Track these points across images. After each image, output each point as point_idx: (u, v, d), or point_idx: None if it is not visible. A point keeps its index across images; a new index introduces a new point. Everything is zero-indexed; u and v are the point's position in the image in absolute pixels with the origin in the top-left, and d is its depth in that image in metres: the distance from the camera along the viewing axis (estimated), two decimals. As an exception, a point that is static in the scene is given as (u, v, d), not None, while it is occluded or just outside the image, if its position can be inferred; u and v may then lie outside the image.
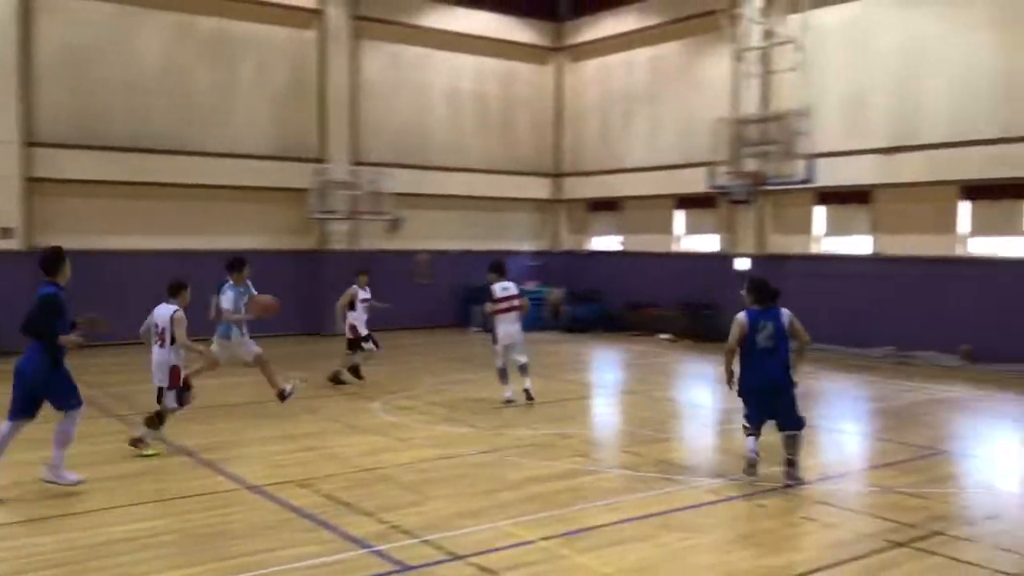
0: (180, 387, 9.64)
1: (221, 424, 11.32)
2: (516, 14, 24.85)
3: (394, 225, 22.17)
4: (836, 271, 19.00)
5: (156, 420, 9.67)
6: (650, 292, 22.88)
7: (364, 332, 14.30)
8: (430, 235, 23.74)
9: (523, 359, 12.69)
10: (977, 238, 17.42)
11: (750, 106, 17.70)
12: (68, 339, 7.97)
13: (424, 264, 23.50)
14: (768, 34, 17.59)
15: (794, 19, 16.13)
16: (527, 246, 25.72)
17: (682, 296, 21.35)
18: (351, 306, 14.34)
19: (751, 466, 8.60)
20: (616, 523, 7.37)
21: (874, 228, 18.81)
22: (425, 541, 6.88)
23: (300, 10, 21.40)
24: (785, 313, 8.59)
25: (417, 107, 23.55)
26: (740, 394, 8.72)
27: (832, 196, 19.40)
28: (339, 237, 21.91)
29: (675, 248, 22.90)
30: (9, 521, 7.35)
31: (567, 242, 26.04)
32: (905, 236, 18.23)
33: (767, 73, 18.54)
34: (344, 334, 14.42)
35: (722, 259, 20.88)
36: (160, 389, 9.60)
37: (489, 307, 12.58)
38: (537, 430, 11.05)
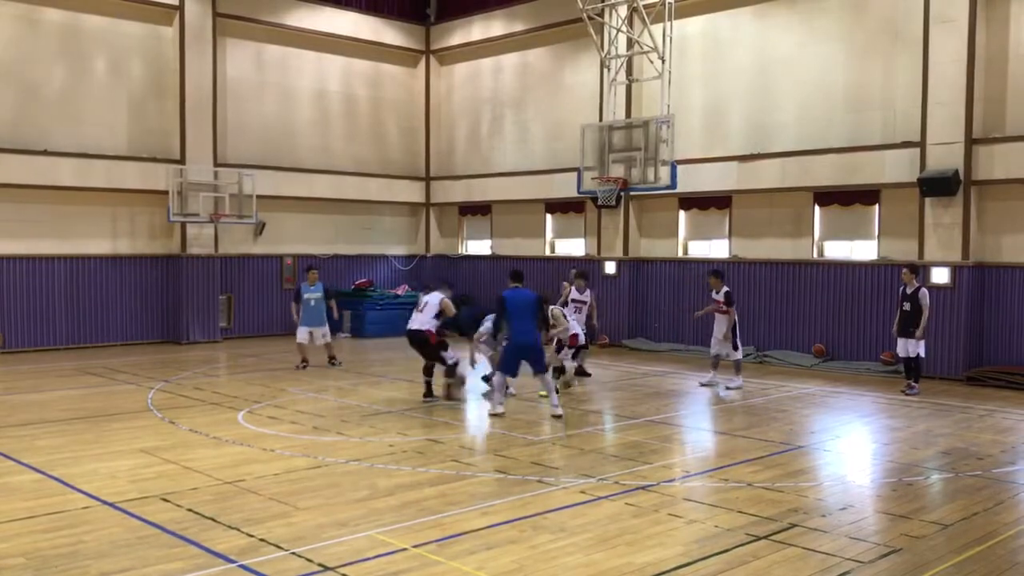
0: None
1: (75, 438, 10.75)
2: (384, 16, 24.63)
3: (258, 228, 21.66)
4: (698, 274, 19.65)
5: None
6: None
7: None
8: (297, 239, 23.27)
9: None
10: (829, 242, 18.34)
11: (616, 113, 18.08)
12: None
13: (288, 269, 23.01)
14: (631, 43, 18.02)
15: (658, 29, 16.57)
16: (398, 250, 25.52)
17: (553, 299, 21.58)
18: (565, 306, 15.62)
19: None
20: (489, 527, 7.37)
21: (732, 232, 19.57)
22: (293, 553, 6.70)
23: (158, 6, 20.56)
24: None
25: (283, 108, 23.03)
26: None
27: (695, 202, 20.07)
28: (201, 241, 21.16)
29: (546, 252, 23.16)
30: None
31: (439, 246, 25.98)
32: (762, 240, 19.05)
33: (632, 81, 19.00)
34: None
35: (592, 263, 21.28)
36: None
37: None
38: (408, 437, 10.96)
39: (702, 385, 15.08)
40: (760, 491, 8.55)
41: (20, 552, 6.72)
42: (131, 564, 6.47)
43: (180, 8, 20.65)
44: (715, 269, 15.89)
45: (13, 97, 18.95)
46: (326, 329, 16.87)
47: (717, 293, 15.03)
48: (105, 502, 8.03)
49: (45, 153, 18.96)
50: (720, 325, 15.03)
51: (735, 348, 14.90)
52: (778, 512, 7.84)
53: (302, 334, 16.62)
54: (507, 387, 12.77)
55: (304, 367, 16.54)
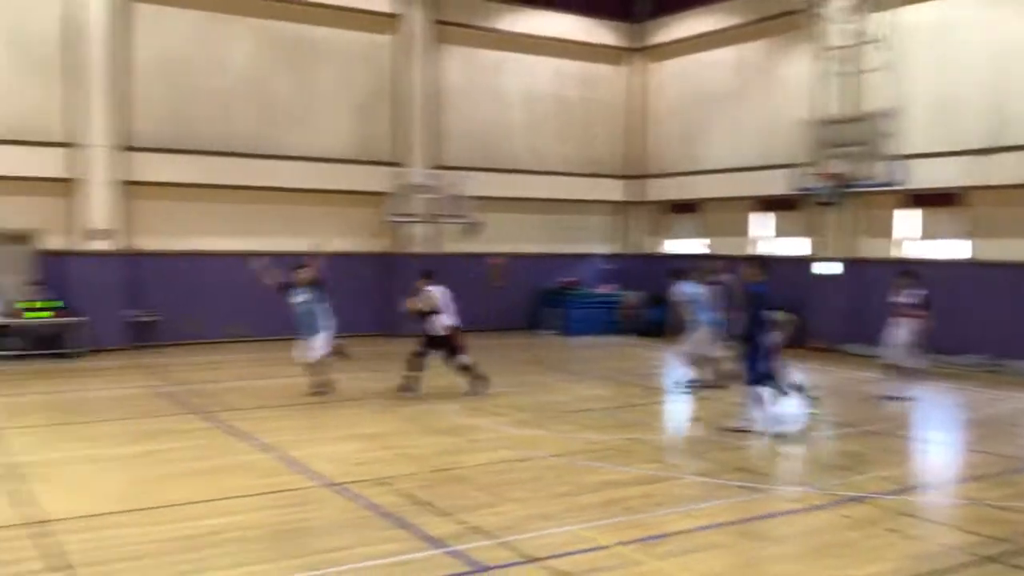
0: None
1: (302, 422, 11.57)
2: (593, 15, 24.74)
3: (474, 228, 22.23)
4: (927, 276, 18.42)
5: None
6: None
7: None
8: (506, 238, 23.74)
9: None
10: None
11: (833, 106, 17.29)
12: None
13: (498, 267, 23.57)
14: (851, 33, 17.19)
15: (877, 18, 15.71)
16: (601, 249, 25.59)
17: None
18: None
19: None
20: (693, 530, 7.29)
21: (971, 232, 18.10)
22: (501, 543, 6.91)
23: (379, 15, 21.67)
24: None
25: (496, 110, 23.61)
26: None
27: (921, 199, 18.81)
28: (416, 240, 22.11)
29: (751, 251, 22.42)
30: (97, 512, 7.60)
31: (643, 244, 25.82)
32: (1002, 240, 17.54)
33: (851, 73, 18.10)
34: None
35: (800, 262, 20.43)
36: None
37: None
38: (610, 435, 11.00)
39: (899, 399, 13.52)
40: (989, 510, 7.94)
41: (255, 524, 7.33)
42: (349, 543, 6.89)
43: (402, 17, 21.67)
44: (906, 269, 14.63)
45: (255, 110, 20.48)
46: (317, 340, 12.95)
47: (908, 295, 13.71)
48: (329, 483, 8.58)
49: (281, 158, 20.36)
50: (907, 330, 13.58)
51: (916, 355, 13.56)
52: (1010, 533, 7.25)
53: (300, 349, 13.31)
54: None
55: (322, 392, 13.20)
